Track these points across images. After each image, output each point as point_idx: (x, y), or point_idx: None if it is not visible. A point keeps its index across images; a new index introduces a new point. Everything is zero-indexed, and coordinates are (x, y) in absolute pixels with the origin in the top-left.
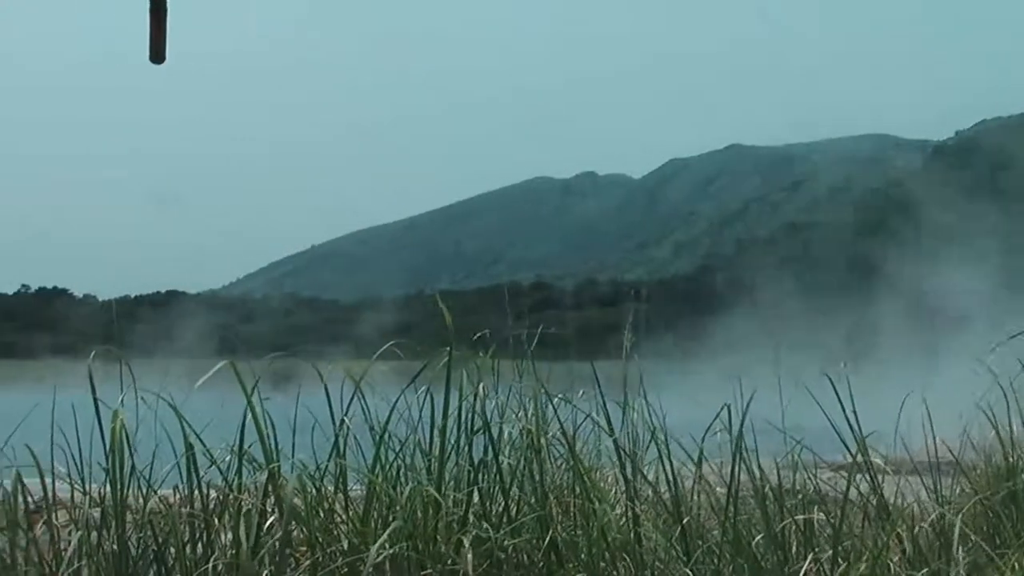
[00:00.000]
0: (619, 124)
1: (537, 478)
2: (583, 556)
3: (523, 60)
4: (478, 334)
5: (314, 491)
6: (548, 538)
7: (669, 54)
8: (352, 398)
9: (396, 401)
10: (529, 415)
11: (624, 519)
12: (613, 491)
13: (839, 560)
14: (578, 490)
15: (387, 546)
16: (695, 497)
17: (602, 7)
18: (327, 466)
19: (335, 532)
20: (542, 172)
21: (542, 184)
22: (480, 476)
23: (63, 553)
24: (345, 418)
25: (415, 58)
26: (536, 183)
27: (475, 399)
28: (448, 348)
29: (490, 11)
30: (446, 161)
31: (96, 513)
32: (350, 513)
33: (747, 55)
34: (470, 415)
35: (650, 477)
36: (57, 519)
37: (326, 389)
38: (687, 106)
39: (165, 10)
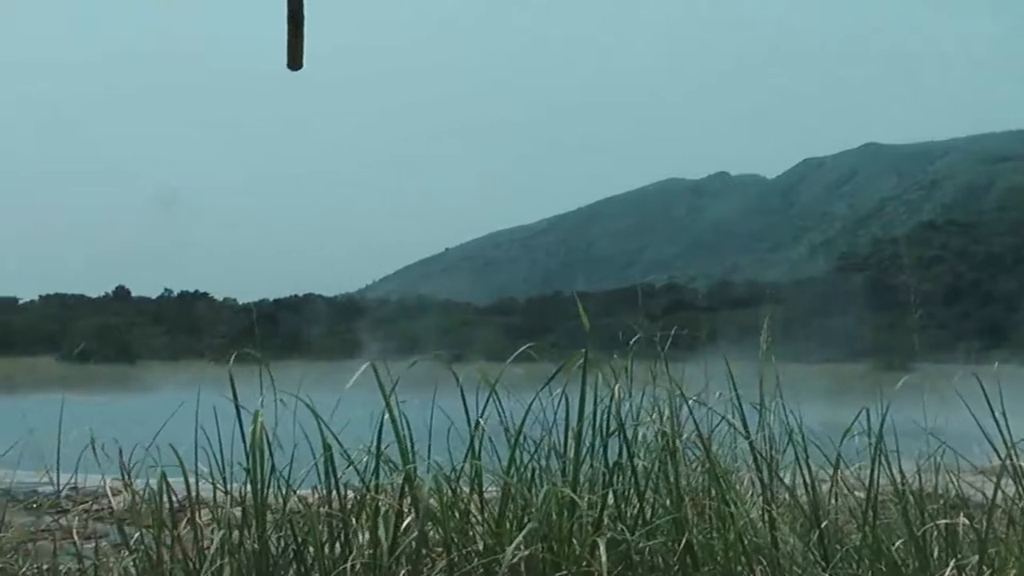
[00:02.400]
0: (752, 124)
1: (672, 480)
2: (719, 559)
3: (654, 60)
4: (613, 336)
5: (450, 492)
6: (684, 541)
7: (804, 52)
8: (487, 400)
9: (531, 403)
10: (664, 417)
11: (761, 522)
12: (749, 494)
13: (984, 567)
14: (714, 493)
15: (522, 547)
16: (833, 501)
17: (739, 3)
18: (462, 468)
19: (471, 533)
20: (674, 173)
21: (674, 185)
22: (615, 478)
23: (206, 551)
24: (480, 420)
25: (549, 61)
26: (668, 184)
27: (610, 401)
28: (583, 350)
29: (624, 12)
30: (578, 164)
31: (237, 512)
32: (485, 514)
33: (884, 50)
34: (605, 417)
35: (787, 480)
36: (200, 518)
37: (462, 391)
38: (822, 104)
39: (302, 18)
